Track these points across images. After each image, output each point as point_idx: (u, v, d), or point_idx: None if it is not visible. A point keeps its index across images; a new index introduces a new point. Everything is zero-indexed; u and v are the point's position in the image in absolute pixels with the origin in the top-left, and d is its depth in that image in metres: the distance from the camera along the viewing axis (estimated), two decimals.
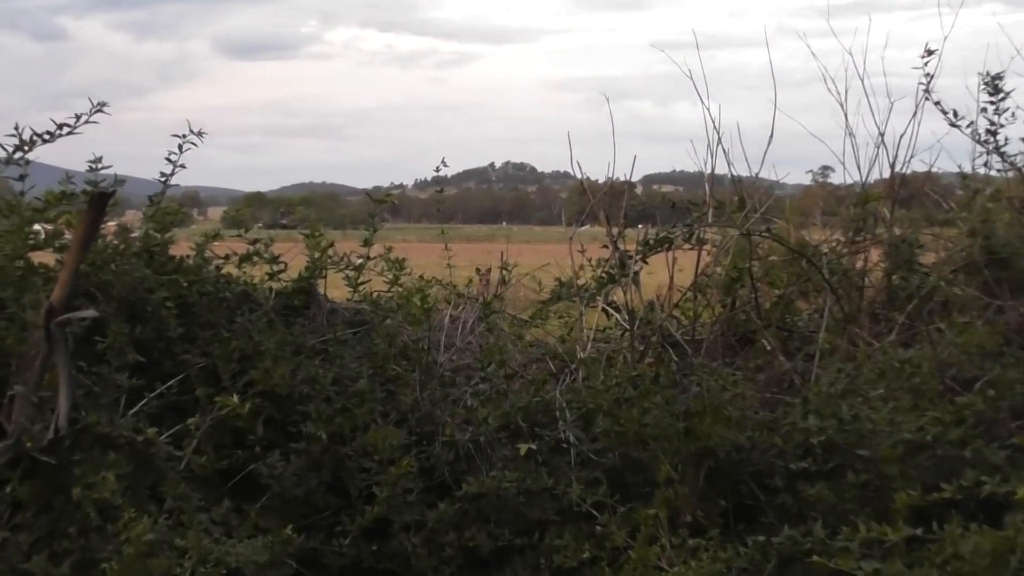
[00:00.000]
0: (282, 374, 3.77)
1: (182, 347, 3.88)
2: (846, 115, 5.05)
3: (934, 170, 5.29)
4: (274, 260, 4.41)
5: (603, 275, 4.91)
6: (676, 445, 3.56)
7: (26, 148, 3.93)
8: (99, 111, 4.01)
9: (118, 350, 3.65)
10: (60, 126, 3.96)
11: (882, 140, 5.04)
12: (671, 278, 4.88)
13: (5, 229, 3.86)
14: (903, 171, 5.14)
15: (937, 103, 5.11)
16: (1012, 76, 5.08)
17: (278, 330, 4.00)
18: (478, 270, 7.03)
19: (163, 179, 4.40)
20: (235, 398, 3.63)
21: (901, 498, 3.15)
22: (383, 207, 4.62)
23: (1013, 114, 5.10)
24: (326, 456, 3.66)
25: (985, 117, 5.14)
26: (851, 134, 5.06)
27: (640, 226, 4.98)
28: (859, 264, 5.11)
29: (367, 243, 4.53)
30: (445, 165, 5.17)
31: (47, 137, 3.94)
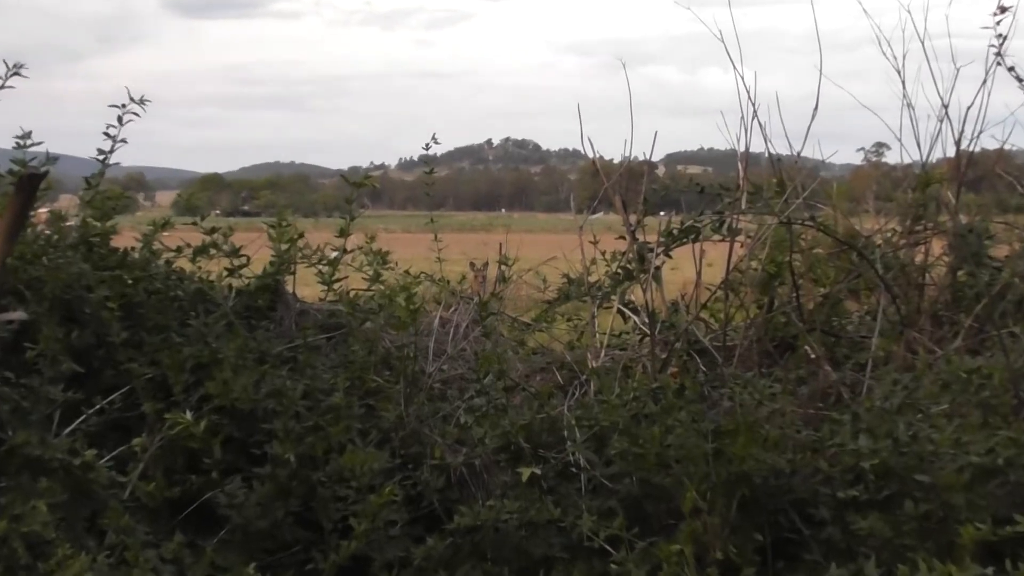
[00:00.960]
0: (243, 386, 3.78)
1: (126, 355, 3.88)
2: (904, 83, 5.04)
3: (1007, 147, 5.27)
4: (234, 253, 4.41)
5: (619, 271, 4.91)
6: (704, 469, 3.55)
7: None
8: (16, 74, 4.02)
9: (51, 358, 3.65)
10: None
11: (946, 112, 5.03)
12: (698, 274, 4.88)
13: None
14: (970, 149, 5.12)
15: (1011, 69, 5.08)
16: None
17: (239, 335, 4.01)
18: (473, 265, 7.04)
19: (102, 157, 4.40)
20: (188, 414, 3.64)
21: (968, 532, 3.15)
22: (362, 191, 4.62)
23: None
24: (295, 482, 3.67)
25: None
26: (909, 105, 5.05)
27: (662, 213, 4.98)
28: (919, 258, 5.09)
29: (343, 233, 4.53)
30: (435, 142, 5.16)
31: None
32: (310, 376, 3.99)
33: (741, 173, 4.87)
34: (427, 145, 5.30)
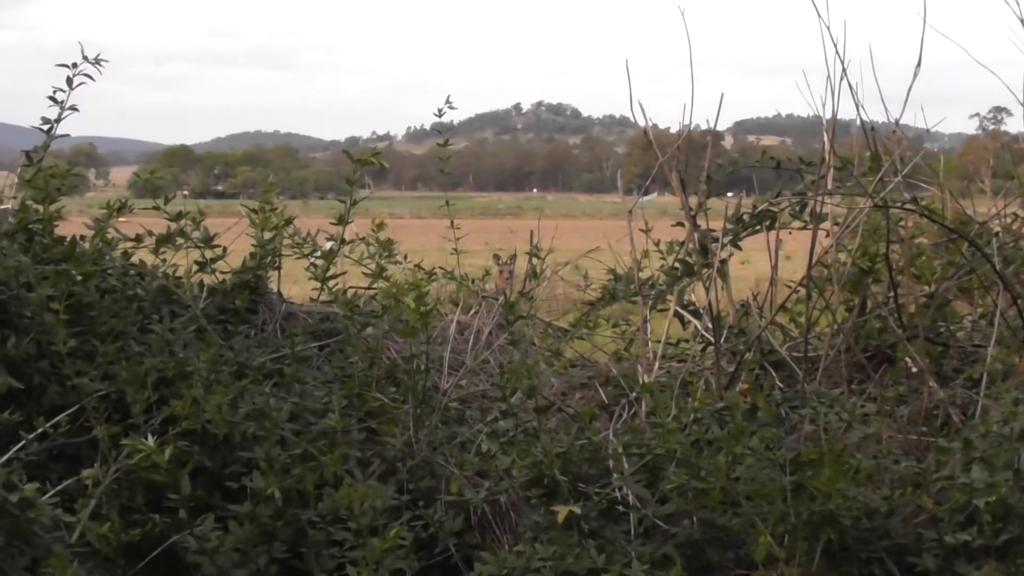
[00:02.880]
0: (217, 406, 3.78)
1: (74, 367, 3.90)
2: None
3: None
4: (206, 243, 4.43)
5: (676, 265, 4.90)
6: (781, 508, 3.55)
7: None
8: None
9: None
10: None
11: None
12: (774, 269, 4.86)
13: None
14: None
15: None
16: None
17: (212, 343, 4.02)
18: (498, 258, 7.05)
19: (47, 127, 4.43)
20: (150, 440, 3.60)
21: None
22: (364, 169, 4.63)
23: None
24: (280, 523, 3.68)
25: None
26: None
27: (730, 195, 4.98)
28: None
29: (341, 220, 4.54)
30: (451, 107, 5.18)
31: None
32: (299, 393, 4.01)
33: (827, 145, 4.84)
34: (440, 111, 5.31)
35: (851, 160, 4.92)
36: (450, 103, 5.24)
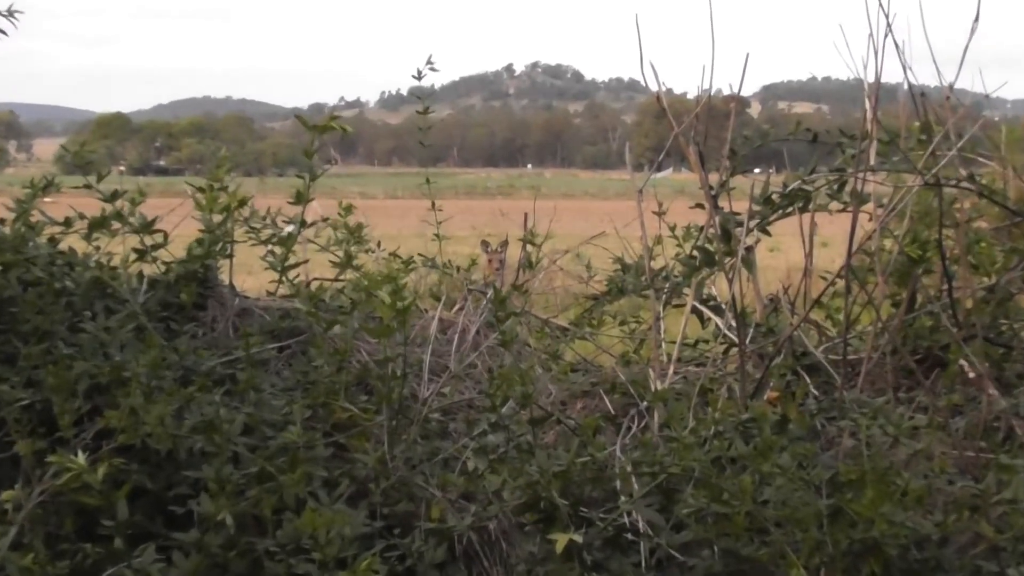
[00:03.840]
0: (159, 417, 3.77)
1: None
2: None
3: None
4: (147, 228, 4.42)
5: (694, 253, 4.90)
6: (816, 536, 3.55)
7: None
8: None
9: None
10: None
11: None
12: (808, 257, 4.86)
13: None
14: None
15: None
16: None
17: (153, 344, 4.01)
18: (487, 245, 7.05)
19: None
20: (81, 457, 3.61)
21: None
22: (325, 137, 4.62)
23: None
24: (233, 553, 3.67)
25: None
26: None
27: (757, 171, 4.98)
28: None
29: (301, 199, 4.54)
30: (432, 69, 5.18)
31: None
32: (254, 403, 4.00)
33: (869, 113, 4.84)
34: (420, 73, 5.31)
35: (898, 131, 4.93)
36: (431, 64, 5.23)
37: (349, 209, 4.74)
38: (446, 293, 5.10)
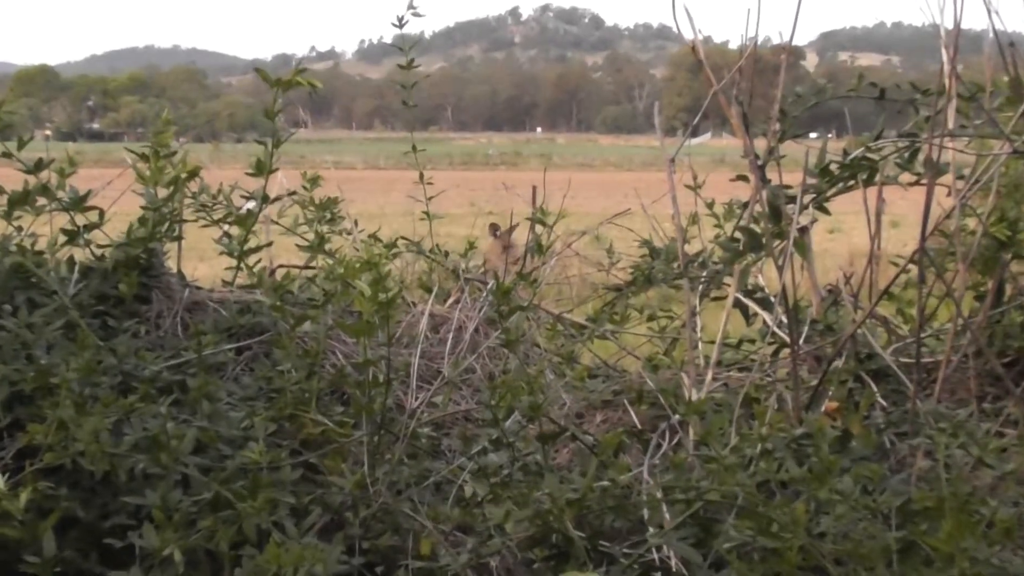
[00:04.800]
0: (94, 432, 3.73)
1: None
2: None
3: None
4: (78, 204, 4.40)
5: (737, 235, 4.85)
6: (884, 574, 3.50)
7: None
8: None
9: None
10: None
11: None
12: (874, 240, 4.81)
13: None
14: None
15: None
16: None
17: (87, 344, 3.99)
18: (495, 228, 7.05)
19: None
20: (0, 481, 3.58)
21: None
22: (292, 95, 4.57)
23: None
24: None
25: None
26: None
27: (813, 136, 4.93)
28: None
29: (262, 169, 4.50)
30: (415, 14, 5.15)
31: None
32: (208, 415, 3.97)
33: (946, 67, 4.79)
34: (402, 19, 5.27)
35: (982, 88, 4.88)
36: (414, 8, 5.19)
37: (315, 180, 4.72)
38: (438, 283, 5.07)
